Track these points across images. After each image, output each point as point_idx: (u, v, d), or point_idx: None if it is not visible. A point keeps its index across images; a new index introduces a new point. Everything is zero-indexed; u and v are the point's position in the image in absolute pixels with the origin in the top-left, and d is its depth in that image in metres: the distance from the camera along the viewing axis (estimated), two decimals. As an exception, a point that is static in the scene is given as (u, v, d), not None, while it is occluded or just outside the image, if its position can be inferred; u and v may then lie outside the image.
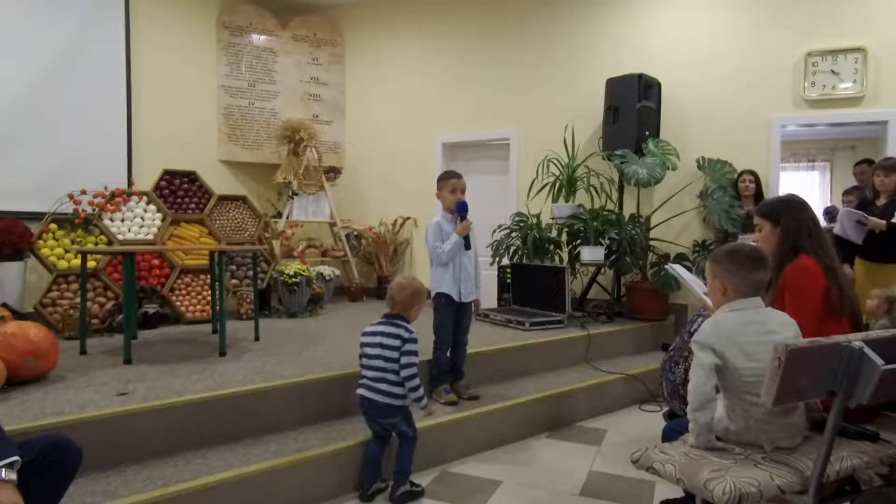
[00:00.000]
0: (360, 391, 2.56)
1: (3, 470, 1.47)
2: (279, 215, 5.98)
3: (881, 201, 3.96)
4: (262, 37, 6.42)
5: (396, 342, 2.52)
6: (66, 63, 5.07)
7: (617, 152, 4.88)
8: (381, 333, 2.55)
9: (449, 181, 3.23)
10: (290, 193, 5.96)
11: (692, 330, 2.73)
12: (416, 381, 2.51)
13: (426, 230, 3.25)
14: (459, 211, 3.19)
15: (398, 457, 2.55)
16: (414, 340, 2.54)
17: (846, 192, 5.11)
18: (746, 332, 1.83)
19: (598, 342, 4.32)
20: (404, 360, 2.49)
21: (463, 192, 3.23)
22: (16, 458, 1.51)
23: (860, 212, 3.92)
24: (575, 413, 3.60)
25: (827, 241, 2.31)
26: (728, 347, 1.81)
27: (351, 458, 2.61)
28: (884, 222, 3.79)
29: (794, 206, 2.32)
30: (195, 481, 2.21)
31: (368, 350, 2.57)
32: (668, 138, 5.05)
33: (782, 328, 1.87)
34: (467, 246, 3.20)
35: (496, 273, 5.32)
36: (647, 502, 2.56)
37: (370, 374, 2.54)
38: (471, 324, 3.36)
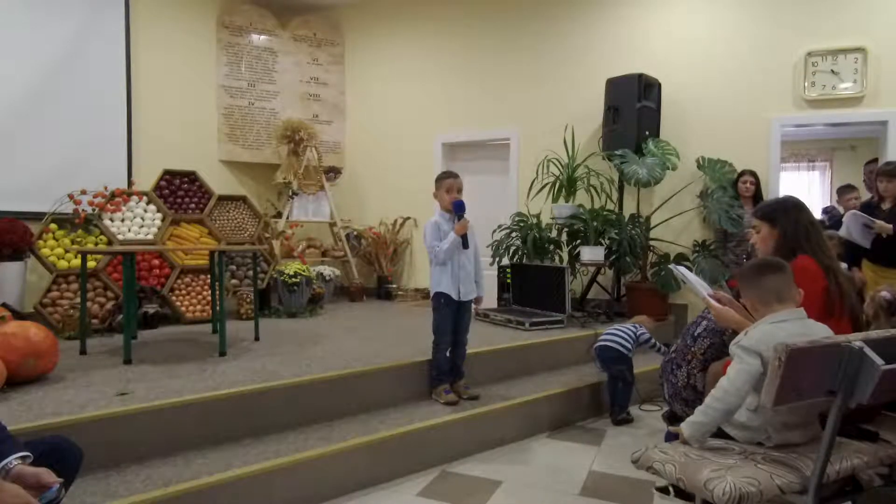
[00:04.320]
0: (599, 344, 3.64)
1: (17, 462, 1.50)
2: (279, 215, 5.98)
3: (886, 206, 3.95)
4: (262, 37, 6.43)
5: (641, 330, 3.67)
6: (66, 63, 5.07)
7: (617, 152, 4.88)
8: (622, 326, 3.71)
9: (445, 181, 3.23)
10: (290, 193, 5.96)
11: (696, 333, 2.73)
12: (652, 342, 3.62)
13: (424, 230, 3.27)
14: (456, 210, 3.19)
15: (620, 395, 3.59)
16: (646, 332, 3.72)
17: (840, 191, 5.11)
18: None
19: (598, 342, 4.32)
20: (644, 336, 3.64)
21: (460, 191, 3.23)
22: (27, 453, 1.54)
23: (866, 215, 3.89)
24: (575, 413, 3.60)
25: (825, 241, 2.33)
26: None
27: (352, 459, 2.61)
28: (891, 226, 3.77)
29: (792, 208, 2.35)
30: (195, 481, 2.21)
31: (609, 331, 3.67)
32: (668, 138, 5.06)
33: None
34: (465, 245, 3.20)
35: (496, 273, 5.33)
36: (647, 502, 2.56)
37: (610, 335, 3.61)
38: (470, 323, 3.37)
